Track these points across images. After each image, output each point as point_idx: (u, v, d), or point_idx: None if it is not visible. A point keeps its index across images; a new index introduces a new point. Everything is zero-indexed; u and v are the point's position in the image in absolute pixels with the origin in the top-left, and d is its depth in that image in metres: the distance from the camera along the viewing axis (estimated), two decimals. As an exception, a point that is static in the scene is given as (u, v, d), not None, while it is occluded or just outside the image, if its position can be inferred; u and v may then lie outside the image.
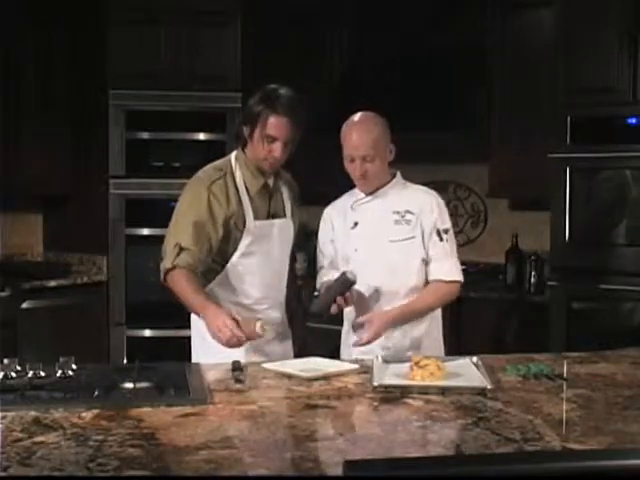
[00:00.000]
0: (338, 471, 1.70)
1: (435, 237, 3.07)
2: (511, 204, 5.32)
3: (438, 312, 3.17)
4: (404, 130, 4.76)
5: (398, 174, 3.17)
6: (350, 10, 5.41)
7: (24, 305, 4.98)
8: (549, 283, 4.61)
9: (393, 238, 3.06)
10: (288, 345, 3.24)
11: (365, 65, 5.32)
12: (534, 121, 4.79)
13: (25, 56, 5.27)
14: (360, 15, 5.38)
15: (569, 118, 4.41)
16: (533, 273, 4.89)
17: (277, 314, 3.19)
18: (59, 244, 5.68)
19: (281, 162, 3.11)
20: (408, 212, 3.07)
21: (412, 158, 4.57)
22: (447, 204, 3.17)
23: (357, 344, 2.98)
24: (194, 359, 3.10)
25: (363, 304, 3.06)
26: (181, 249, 2.96)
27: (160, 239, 3.11)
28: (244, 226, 3.06)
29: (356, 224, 3.12)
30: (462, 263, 5.12)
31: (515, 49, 4.88)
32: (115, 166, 5.32)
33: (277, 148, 3.02)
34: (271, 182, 3.17)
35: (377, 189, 3.11)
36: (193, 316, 3.09)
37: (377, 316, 2.98)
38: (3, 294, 4.89)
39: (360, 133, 3.02)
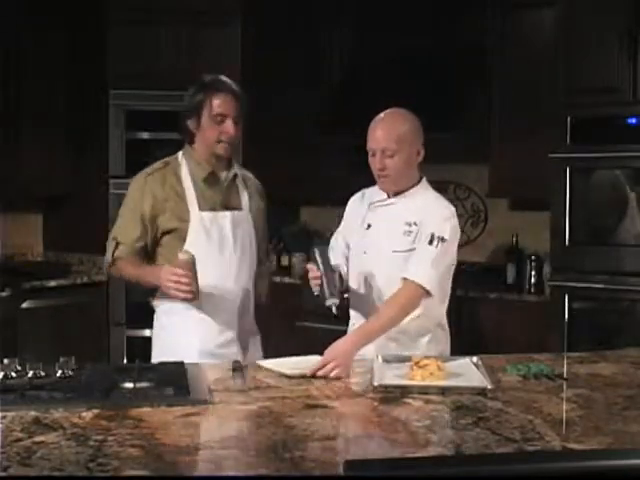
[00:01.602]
0: (338, 471, 1.70)
1: (426, 240, 2.89)
2: (511, 204, 5.32)
3: (443, 324, 3.07)
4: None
5: (424, 180, 3.06)
6: (350, 10, 5.41)
7: (24, 305, 4.98)
8: (549, 283, 4.61)
9: (396, 249, 2.94)
10: (251, 349, 3.18)
11: (365, 65, 5.32)
12: (534, 121, 4.79)
13: (25, 56, 5.27)
14: (360, 15, 5.38)
15: (569, 118, 4.41)
16: (533, 273, 4.89)
17: (242, 312, 3.15)
18: (59, 244, 5.68)
19: (235, 141, 3.14)
20: (414, 224, 2.94)
21: (412, 158, 4.55)
22: (454, 212, 3.04)
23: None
24: (154, 358, 3.10)
25: (364, 310, 3.01)
26: (118, 243, 3.09)
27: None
28: (189, 217, 3.05)
29: (369, 226, 3.03)
30: (462, 263, 5.17)
31: (515, 49, 4.88)
32: (115, 166, 5.33)
33: (229, 125, 3.07)
34: (223, 174, 3.15)
35: (399, 192, 3.00)
36: (155, 315, 3.16)
37: (340, 354, 2.65)
38: (3, 294, 4.89)
39: (384, 127, 2.95)
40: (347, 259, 3.11)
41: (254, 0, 5.53)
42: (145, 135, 5.37)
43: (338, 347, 2.68)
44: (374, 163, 2.96)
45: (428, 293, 2.86)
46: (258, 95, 5.57)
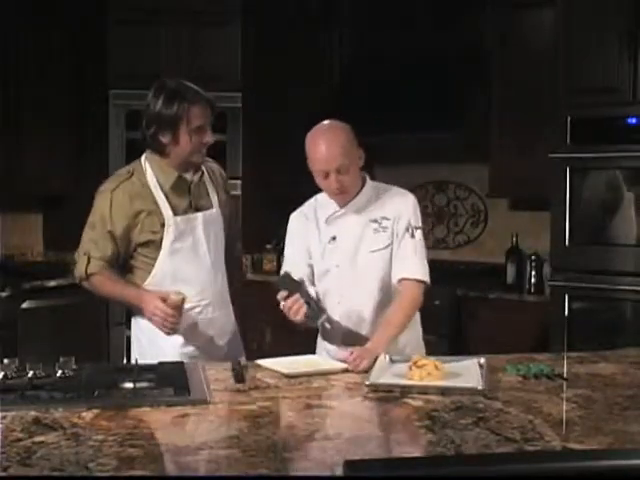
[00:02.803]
0: (338, 471, 1.70)
1: (407, 234, 2.91)
2: (511, 204, 5.32)
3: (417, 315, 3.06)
4: (404, 130, 4.80)
5: (367, 179, 2.99)
6: (350, 10, 5.41)
7: (24, 305, 4.98)
8: (549, 283, 4.61)
9: (374, 248, 2.92)
10: (232, 345, 3.18)
11: (365, 65, 5.32)
12: (534, 121, 4.79)
13: (25, 56, 5.27)
14: (360, 15, 5.38)
15: (569, 118, 4.41)
16: (533, 273, 4.89)
17: (220, 313, 3.14)
18: (59, 244, 5.68)
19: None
20: (384, 218, 2.93)
21: (412, 158, 4.58)
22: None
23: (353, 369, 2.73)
24: (133, 360, 3.08)
25: (353, 319, 2.95)
26: (90, 257, 3.02)
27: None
28: (163, 225, 3.00)
29: (334, 238, 2.96)
30: (462, 263, 5.20)
31: (515, 49, 4.88)
32: (115, 166, 5.29)
33: (208, 134, 3.01)
34: (189, 176, 3.08)
35: (350, 198, 2.94)
36: (133, 317, 3.15)
37: (367, 353, 2.71)
38: (3, 294, 4.89)
39: (329, 144, 2.82)
40: (311, 280, 3.01)
41: (254, 0, 5.53)
42: (145, 135, 5.36)
43: (366, 351, 2.72)
44: (329, 185, 2.86)
45: (425, 283, 2.92)
46: (258, 95, 5.59)
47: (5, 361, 2.48)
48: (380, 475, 1.45)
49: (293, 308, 2.75)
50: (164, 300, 2.89)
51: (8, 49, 5.19)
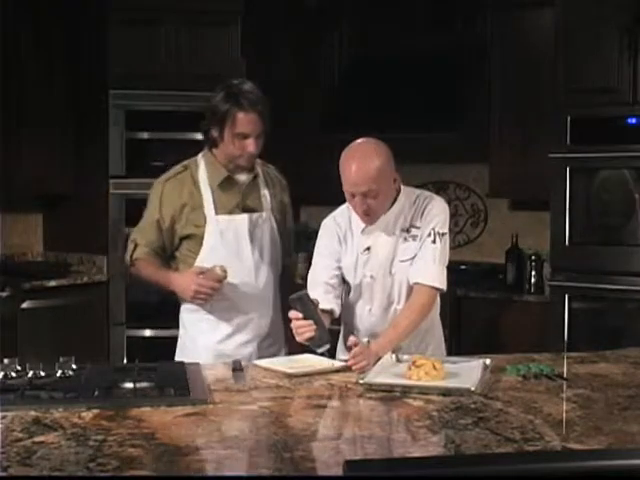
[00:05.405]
0: (338, 471, 1.70)
1: (428, 239, 2.88)
2: (511, 204, 5.32)
3: (436, 314, 3.06)
4: (404, 130, 4.79)
5: (401, 188, 2.95)
6: (350, 10, 5.41)
7: (24, 305, 4.98)
8: (549, 283, 4.61)
9: (404, 257, 2.91)
10: (267, 348, 3.17)
11: (365, 65, 5.32)
12: (534, 121, 4.79)
13: (25, 56, 5.27)
14: (360, 15, 5.38)
15: (569, 118, 4.41)
16: (533, 273, 4.90)
17: (258, 315, 3.14)
18: (59, 244, 5.68)
19: (256, 156, 3.11)
20: (413, 227, 2.91)
21: (412, 158, 4.57)
22: (447, 204, 3.03)
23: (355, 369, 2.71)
24: (177, 356, 3.16)
25: (385, 326, 2.92)
26: (136, 245, 3.14)
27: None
28: (205, 222, 3.05)
29: (368, 249, 2.94)
30: (462, 263, 5.20)
31: (515, 49, 4.89)
32: (115, 166, 5.32)
33: (250, 144, 3.02)
34: (242, 177, 3.12)
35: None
36: (181, 314, 3.18)
37: (368, 353, 2.68)
38: (3, 294, 4.88)
39: (360, 167, 2.77)
40: (336, 291, 2.98)
41: (254, 0, 5.53)
42: (145, 135, 5.37)
43: (367, 351, 2.70)
44: (355, 205, 2.85)
45: (439, 290, 2.91)
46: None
47: (5, 361, 2.48)
48: (380, 475, 1.45)
49: (299, 330, 2.71)
50: (201, 273, 2.97)
51: (8, 49, 5.18)
